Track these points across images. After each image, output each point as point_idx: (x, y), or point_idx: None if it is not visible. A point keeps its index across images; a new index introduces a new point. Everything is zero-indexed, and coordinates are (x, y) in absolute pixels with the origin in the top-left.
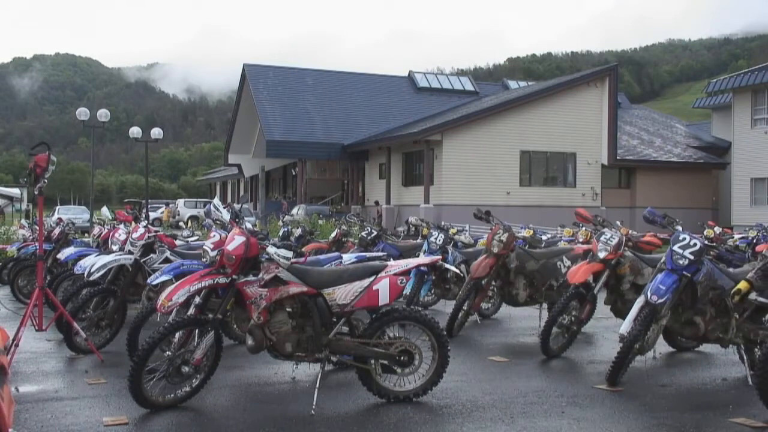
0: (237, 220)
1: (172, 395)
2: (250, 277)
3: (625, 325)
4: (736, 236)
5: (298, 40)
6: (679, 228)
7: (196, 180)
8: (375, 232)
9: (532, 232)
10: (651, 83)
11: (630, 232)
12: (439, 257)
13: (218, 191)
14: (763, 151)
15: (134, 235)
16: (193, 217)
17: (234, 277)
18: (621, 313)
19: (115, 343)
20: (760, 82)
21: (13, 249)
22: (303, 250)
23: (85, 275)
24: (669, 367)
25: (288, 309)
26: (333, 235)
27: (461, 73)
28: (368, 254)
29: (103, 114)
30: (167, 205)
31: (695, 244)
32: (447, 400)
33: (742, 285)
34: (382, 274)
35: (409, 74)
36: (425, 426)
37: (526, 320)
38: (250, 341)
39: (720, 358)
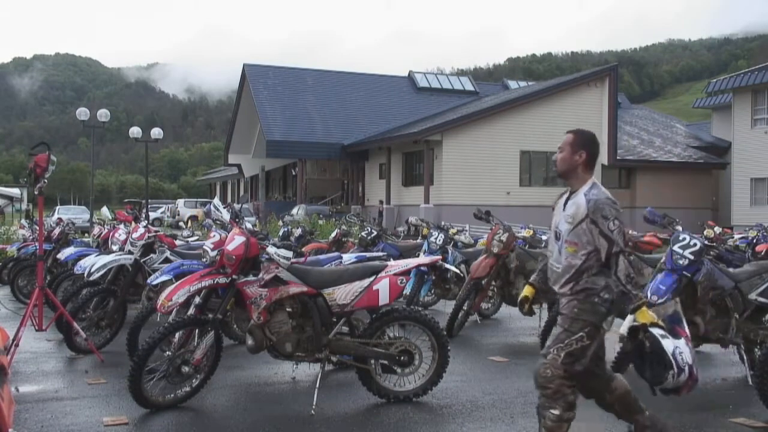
0: (237, 220)
1: (172, 395)
2: (250, 277)
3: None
4: (736, 236)
5: (298, 39)
6: (679, 228)
7: (196, 180)
8: (375, 232)
9: (532, 232)
10: (651, 83)
11: (630, 232)
12: (439, 257)
13: (218, 191)
14: (763, 151)
15: (134, 235)
16: (192, 217)
17: (234, 277)
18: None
19: (115, 343)
20: (760, 82)
21: (13, 249)
22: (303, 250)
23: (85, 275)
24: None
25: (288, 309)
26: (333, 235)
27: (461, 73)
28: (368, 254)
29: (103, 114)
30: (203, 205)
31: (695, 244)
32: (447, 400)
33: (527, 291)
34: (382, 274)
35: (409, 74)
36: (425, 426)
37: (526, 320)
38: (250, 341)
39: (720, 358)
